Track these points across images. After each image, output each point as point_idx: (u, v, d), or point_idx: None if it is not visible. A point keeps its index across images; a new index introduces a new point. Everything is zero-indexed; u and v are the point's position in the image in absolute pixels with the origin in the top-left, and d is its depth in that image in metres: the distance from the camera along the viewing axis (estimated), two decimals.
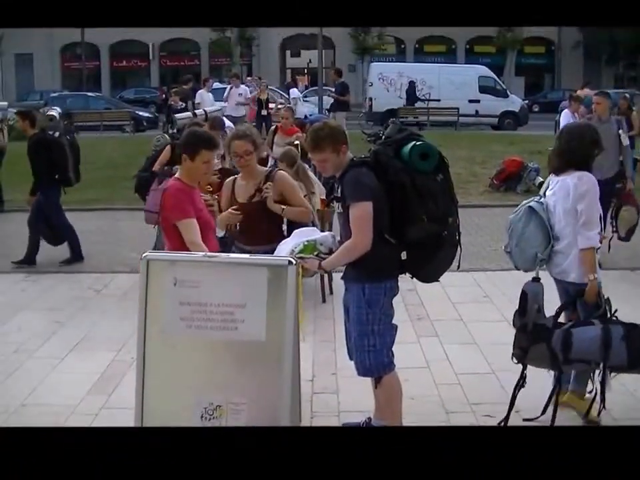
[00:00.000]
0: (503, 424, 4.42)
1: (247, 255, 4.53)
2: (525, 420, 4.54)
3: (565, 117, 11.53)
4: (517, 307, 4.48)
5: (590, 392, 4.43)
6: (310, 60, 41.90)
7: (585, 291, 4.37)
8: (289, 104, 18.26)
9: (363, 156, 4.13)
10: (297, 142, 8.75)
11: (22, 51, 42.20)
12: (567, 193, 4.45)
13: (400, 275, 4.17)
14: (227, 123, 9.74)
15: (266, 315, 3.86)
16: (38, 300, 7.36)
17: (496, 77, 28.31)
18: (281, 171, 5.62)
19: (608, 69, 42.36)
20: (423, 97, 26.05)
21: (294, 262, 3.91)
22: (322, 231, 5.39)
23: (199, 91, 16.89)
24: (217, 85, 24.76)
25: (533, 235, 4.52)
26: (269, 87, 20.38)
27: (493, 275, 7.77)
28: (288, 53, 46.93)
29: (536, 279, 4.46)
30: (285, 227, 5.48)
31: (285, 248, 4.28)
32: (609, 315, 4.37)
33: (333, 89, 21.46)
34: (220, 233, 5.46)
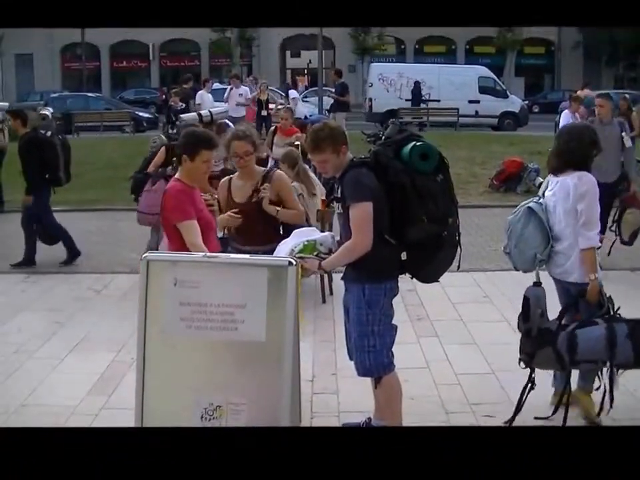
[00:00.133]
0: (508, 425, 4.40)
1: (247, 256, 4.53)
2: (536, 418, 4.51)
3: (565, 118, 11.53)
4: (520, 312, 4.46)
5: (597, 389, 4.43)
6: (310, 60, 41.88)
7: (586, 290, 4.37)
8: (288, 105, 18.27)
9: (362, 156, 4.13)
10: (297, 142, 8.75)
11: (22, 51, 42.20)
12: (567, 194, 4.44)
13: (400, 276, 4.17)
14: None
15: (266, 315, 3.85)
16: (38, 300, 7.35)
17: (496, 78, 28.28)
18: (279, 171, 5.62)
19: (608, 69, 42.35)
20: (424, 98, 26.05)
21: (294, 262, 3.90)
22: (322, 231, 5.39)
23: (199, 92, 16.90)
24: (217, 85, 24.79)
25: (532, 236, 4.52)
26: (269, 87, 20.37)
27: (492, 275, 7.76)
28: (288, 53, 46.91)
29: (537, 284, 4.47)
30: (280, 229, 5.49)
31: (285, 248, 4.28)
32: (612, 313, 4.38)
33: (333, 90, 21.45)
34: (219, 234, 5.46)
